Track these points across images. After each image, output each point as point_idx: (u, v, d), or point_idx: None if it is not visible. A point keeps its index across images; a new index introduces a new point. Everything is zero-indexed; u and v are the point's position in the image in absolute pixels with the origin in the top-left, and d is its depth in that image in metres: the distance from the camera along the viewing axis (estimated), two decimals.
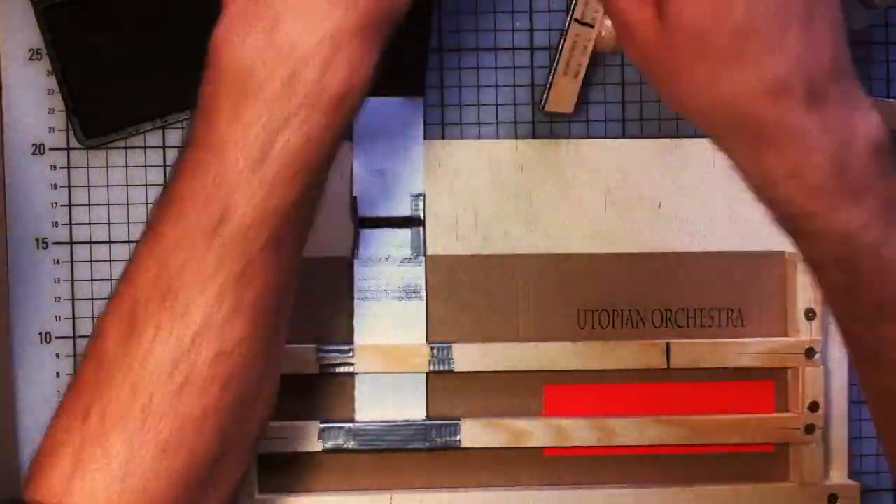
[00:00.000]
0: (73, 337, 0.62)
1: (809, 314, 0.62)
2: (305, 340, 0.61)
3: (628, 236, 0.63)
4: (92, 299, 0.62)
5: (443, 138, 0.63)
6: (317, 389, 0.62)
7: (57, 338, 0.62)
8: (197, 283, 0.45)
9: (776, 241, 0.63)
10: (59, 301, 0.62)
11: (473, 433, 0.62)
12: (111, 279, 0.62)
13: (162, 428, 0.45)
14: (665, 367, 0.62)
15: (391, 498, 0.62)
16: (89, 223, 0.62)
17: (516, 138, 0.63)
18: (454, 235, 0.62)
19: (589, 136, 0.64)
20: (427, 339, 0.62)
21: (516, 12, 0.63)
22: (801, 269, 0.62)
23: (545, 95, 0.62)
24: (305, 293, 0.61)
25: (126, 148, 0.62)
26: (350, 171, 0.62)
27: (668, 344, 0.62)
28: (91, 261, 0.62)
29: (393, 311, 0.62)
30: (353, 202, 0.62)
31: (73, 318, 0.62)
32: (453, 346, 0.61)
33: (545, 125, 0.63)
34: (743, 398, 0.63)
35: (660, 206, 0.63)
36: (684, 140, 0.63)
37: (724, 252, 0.63)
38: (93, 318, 0.62)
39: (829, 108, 0.44)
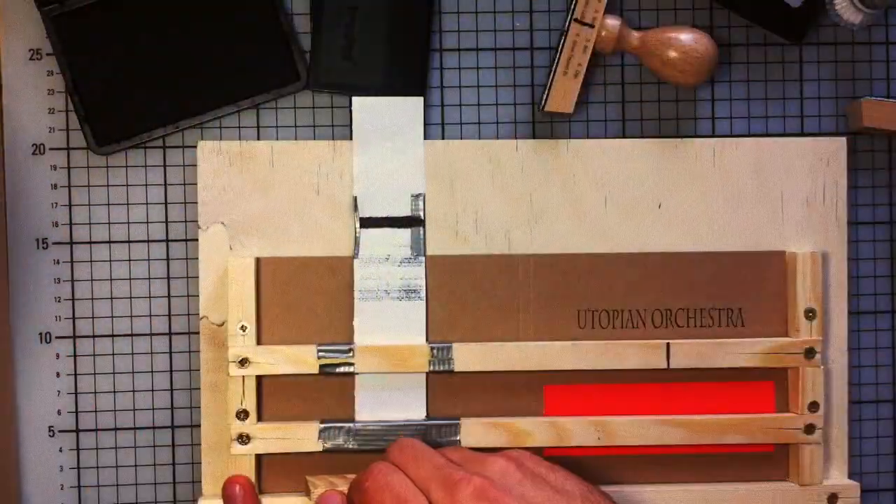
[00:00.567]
0: (73, 337, 0.62)
1: (809, 314, 0.62)
2: (305, 340, 0.61)
3: (628, 236, 0.63)
4: (92, 299, 0.62)
5: (443, 138, 0.63)
6: (317, 389, 0.62)
7: (57, 338, 0.62)
8: None
9: (776, 241, 0.63)
10: (59, 301, 0.62)
11: (473, 433, 0.62)
12: (111, 279, 0.62)
13: None
14: (665, 367, 0.62)
15: None
16: (89, 223, 0.62)
17: (516, 138, 0.63)
18: (454, 235, 0.62)
19: (589, 137, 0.64)
20: (427, 339, 0.62)
21: (516, 12, 0.63)
22: (801, 269, 0.62)
23: (545, 95, 0.62)
24: (305, 293, 0.61)
25: (126, 148, 0.62)
26: (350, 171, 0.62)
27: (668, 344, 0.62)
28: (91, 261, 0.62)
29: (393, 311, 0.62)
30: (354, 202, 0.62)
31: (73, 318, 0.62)
32: (453, 345, 0.61)
33: (545, 125, 0.64)
34: (743, 398, 0.63)
35: (660, 206, 0.63)
36: (684, 140, 0.63)
37: (724, 252, 0.63)
38: (93, 318, 0.62)
39: None
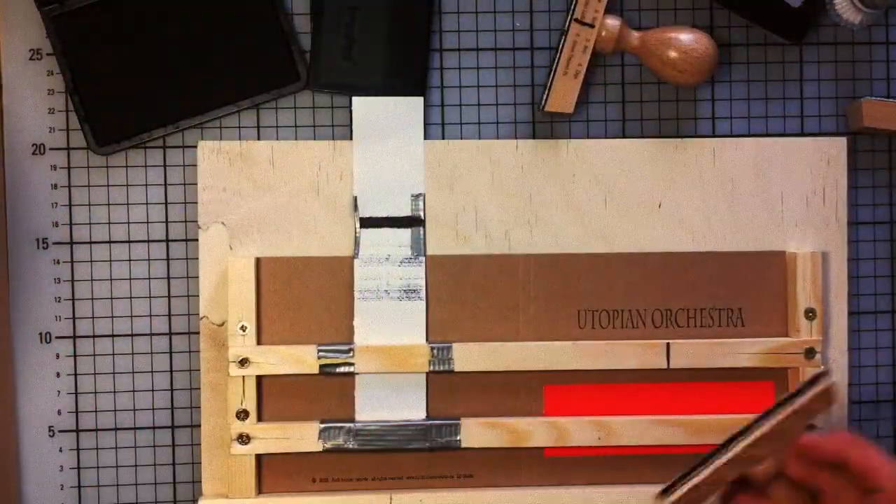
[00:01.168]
0: (73, 337, 0.62)
1: (809, 314, 0.62)
2: (305, 340, 0.61)
3: (628, 236, 0.63)
4: (92, 299, 0.62)
5: (443, 138, 0.63)
6: (317, 389, 0.62)
7: (57, 338, 0.62)
8: None
9: (777, 241, 0.63)
10: (59, 301, 0.62)
11: (473, 433, 0.62)
12: (111, 279, 0.62)
13: None
14: (665, 367, 0.62)
15: (391, 498, 0.62)
16: (89, 223, 0.62)
17: (516, 138, 0.63)
18: (454, 235, 0.62)
19: (589, 136, 0.64)
20: (427, 339, 0.62)
21: (516, 12, 0.63)
22: (801, 269, 0.62)
23: (545, 95, 0.62)
24: (305, 293, 0.61)
25: (126, 148, 0.62)
26: (350, 171, 0.62)
27: (668, 344, 0.62)
28: (91, 261, 0.62)
29: (393, 311, 0.62)
30: (354, 202, 0.62)
31: (73, 318, 0.62)
32: (453, 346, 0.61)
33: (545, 125, 0.64)
34: (743, 398, 0.63)
35: (660, 206, 0.63)
36: (684, 140, 0.63)
37: (724, 252, 0.63)
38: (93, 318, 0.62)
39: None
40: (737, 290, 0.63)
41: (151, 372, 0.63)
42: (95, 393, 0.62)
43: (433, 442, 0.61)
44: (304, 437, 0.61)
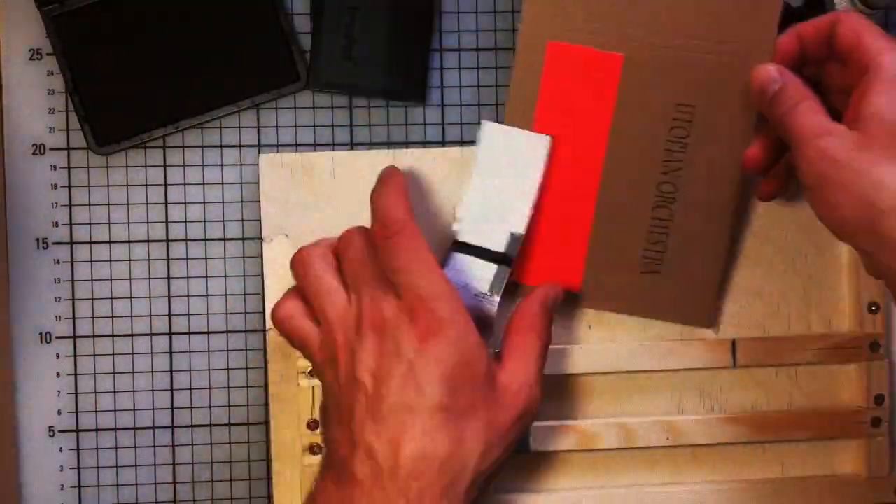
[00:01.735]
0: (73, 337, 0.62)
1: (873, 308, 0.62)
2: None
3: None
4: (92, 299, 0.62)
5: (443, 139, 0.63)
6: None
7: (57, 338, 0.62)
8: None
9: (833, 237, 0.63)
10: (59, 301, 0.62)
11: (543, 437, 0.61)
12: (111, 279, 0.62)
13: None
14: (731, 365, 0.62)
15: None
16: (89, 223, 0.62)
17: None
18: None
19: None
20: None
21: (516, 12, 0.63)
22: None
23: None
24: None
25: (126, 148, 0.62)
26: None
27: (733, 342, 0.62)
28: (91, 261, 0.62)
29: None
30: (455, 220, 0.61)
31: (73, 318, 0.62)
32: None
33: None
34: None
35: None
36: None
37: (785, 245, 0.63)
38: (93, 318, 0.62)
39: None
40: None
41: (151, 372, 0.63)
42: (95, 393, 0.62)
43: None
44: None
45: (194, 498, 0.63)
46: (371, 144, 0.63)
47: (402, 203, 0.55)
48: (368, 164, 0.62)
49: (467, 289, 0.60)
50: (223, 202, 0.63)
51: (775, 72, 0.56)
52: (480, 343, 0.54)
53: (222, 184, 0.63)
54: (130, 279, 0.62)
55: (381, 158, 0.62)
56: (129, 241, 0.62)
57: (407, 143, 0.63)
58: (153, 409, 0.63)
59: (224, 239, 0.63)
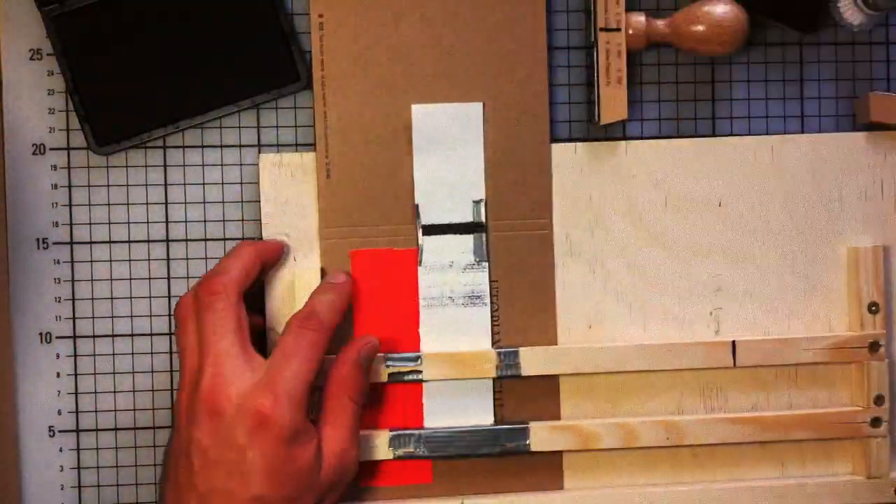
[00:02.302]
0: (73, 337, 0.62)
1: (872, 308, 0.62)
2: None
3: (687, 236, 0.63)
4: (92, 299, 0.62)
5: None
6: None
7: (57, 338, 0.62)
8: None
9: (836, 237, 0.63)
10: (59, 301, 0.62)
11: (543, 437, 0.62)
12: (111, 279, 0.62)
13: None
14: (731, 365, 0.62)
15: (462, 502, 0.62)
16: (89, 223, 0.62)
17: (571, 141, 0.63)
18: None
19: (643, 137, 0.64)
20: (494, 345, 0.62)
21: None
22: (863, 264, 0.62)
23: (596, 110, 0.61)
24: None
25: (126, 148, 0.62)
26: (411, 179, 0.62)
27: (733, 342, 0.62)
28: (91, 261, 0.62)
29: (458, 317, 0.62)
30: (416, 210, 0.62)
31: (74, 318, 0.62)
32: (520, 350, 0.61)
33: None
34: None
35: (720, 205, 0.63)
36: (742, 138, 0.63)
37: (783, 246, 0.63)
38: (93, 318, 0.62)
39: None
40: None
41: (151, 372, 0.63)
42: (95, 393, 0.62)
43: (503, 447, 0.62)
44: (375, 445, 0.61)
45: None
46: None
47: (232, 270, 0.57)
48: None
49: (453, 266, 0.61)
50: (223, 202, 0.63)
51: None
52: (308, 431, 0.56)
53: (222, 184, 0.63)
54: (130, 279, 0.62)
55: None
56: (129, 241, 0.62)
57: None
58: (153, 409, 0.63)
59: (224, 239, 0.63)
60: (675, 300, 0.63)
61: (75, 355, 0.62)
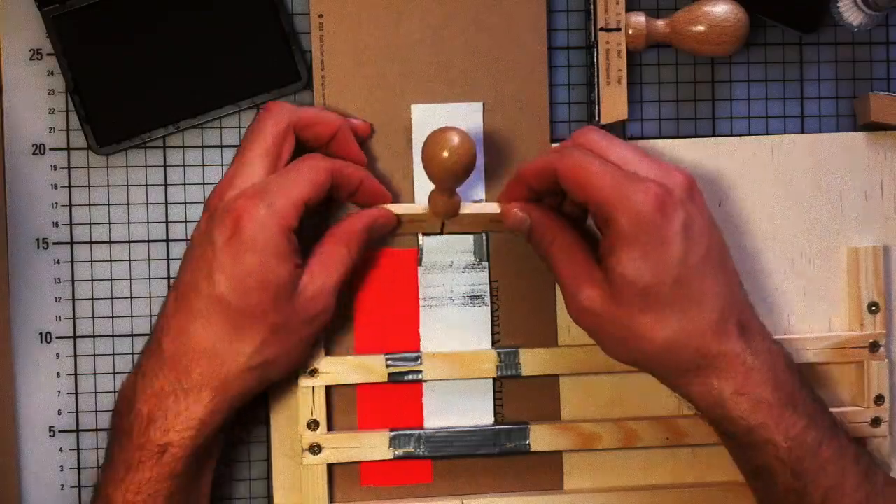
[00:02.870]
0: (73, 337, 0.62)
1: (872, 308, 0.63)
2: (374, 350, 0.62)
3: None
4: (92, 299, 0.62)
5: None
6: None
7: (57, 338, 0.62)
8: None
9: (836, 236, 0.63)
10: (59, 301, 0.62)
11: (543, 437, 0.62)
12: (111, 279, 0.62)
13: None
14: None
15: (462, 502, 0.62)
16: (89, 223, 0.62)
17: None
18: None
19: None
20: (494, 345, 0.62)
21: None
22: (864, 263, 0.62)
23: (596, 110, 0.61)
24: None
25: (126, 148, 0.62)
26: (411, 179, 0.62)
27: None
28: (91, 261, 0.62)
29: (458, 317, 0.62)
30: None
31: (74, 318, 0.62)
32: (520, 350, 0.62)
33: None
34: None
35: (720, 205, 0.63)
36: (743, 138, 0.63)
37: (783, 246, 0.63)
38: (93, 318, 0.62)
39: (754, 335, 0.55)
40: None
41: None
42: (95, 393, 0.62)
43: (503, 447, 0.62)
44: (374, 445, 0.61)
45: None
46: None
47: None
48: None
49: (453, 266, 0.61)
50: None
51: (520, 211, 0.58)
52: (287, 253, 0.55)
53: None
54: (130, 279, 0.62)
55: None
56: (129, 241, 0.62)
57: None
58: None
59: None
60: None
61: (75, 355, 0.62)
